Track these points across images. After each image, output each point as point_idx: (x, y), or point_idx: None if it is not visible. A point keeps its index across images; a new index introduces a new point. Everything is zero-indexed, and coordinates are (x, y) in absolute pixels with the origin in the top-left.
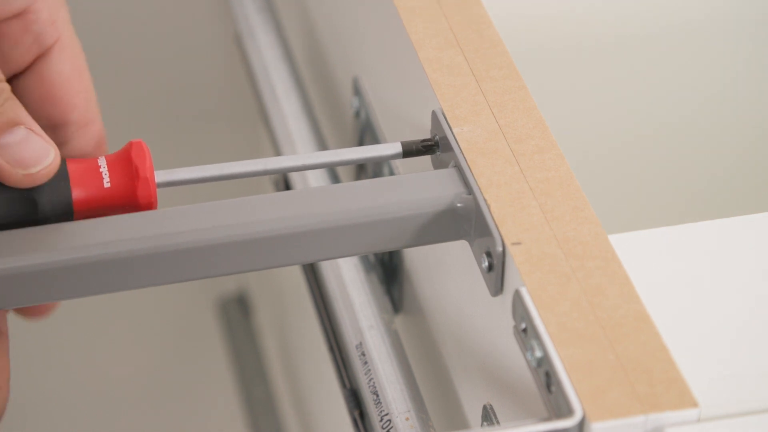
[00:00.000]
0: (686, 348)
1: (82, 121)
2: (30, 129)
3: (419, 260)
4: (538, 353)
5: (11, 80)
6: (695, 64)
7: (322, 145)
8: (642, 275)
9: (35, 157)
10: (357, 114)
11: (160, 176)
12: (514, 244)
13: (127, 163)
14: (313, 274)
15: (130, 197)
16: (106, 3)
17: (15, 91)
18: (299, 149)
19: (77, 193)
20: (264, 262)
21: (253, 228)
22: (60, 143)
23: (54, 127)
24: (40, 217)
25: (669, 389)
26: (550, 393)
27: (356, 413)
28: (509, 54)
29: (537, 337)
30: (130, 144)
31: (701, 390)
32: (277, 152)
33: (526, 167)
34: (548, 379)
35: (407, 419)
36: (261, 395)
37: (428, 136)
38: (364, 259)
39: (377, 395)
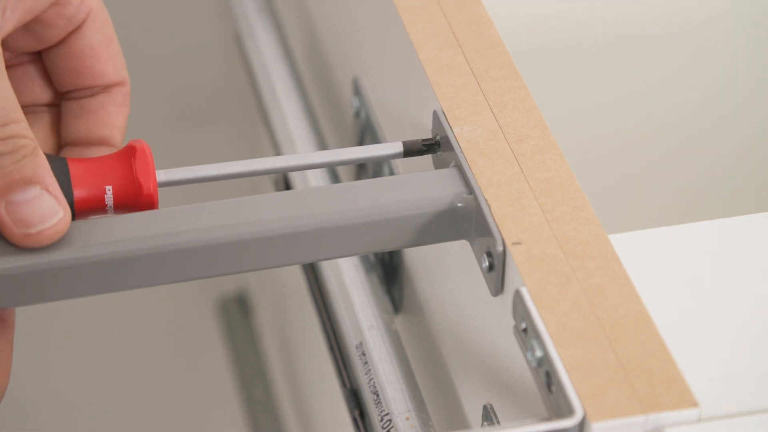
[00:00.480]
0: (686, 348)
1: (113, 83)
2: (45, 189)
3: (419, 260)
4: (539, 353)
5: (41, 53)
6: (695, 64)
7: (322, 145)
8: (642, 275)
9: (40, 217)
10: (357, 114)
11: (161, 176)
12: (514, 244)
13: (129, 175)
14: (313, 274)
15: (132, 205)
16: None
17: (46, 61)
18: (299, 149)
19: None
20: (264, 262)
21: (253, 228)
22: (85, 96)
23: (83, 89)
24: None
25: (669, 389)
26: (550, 393)
27: (356, 413)
28: (509, 54)
29: (537, 336)
30: (133, 150)
31: (701, 390)
32: (277, 152)
33: (526, 167)
34: (548, 379)
35: (407, 419)
36: (261, 395)
37: (428, 136)
38: (365, 259)
39: (377, 395)
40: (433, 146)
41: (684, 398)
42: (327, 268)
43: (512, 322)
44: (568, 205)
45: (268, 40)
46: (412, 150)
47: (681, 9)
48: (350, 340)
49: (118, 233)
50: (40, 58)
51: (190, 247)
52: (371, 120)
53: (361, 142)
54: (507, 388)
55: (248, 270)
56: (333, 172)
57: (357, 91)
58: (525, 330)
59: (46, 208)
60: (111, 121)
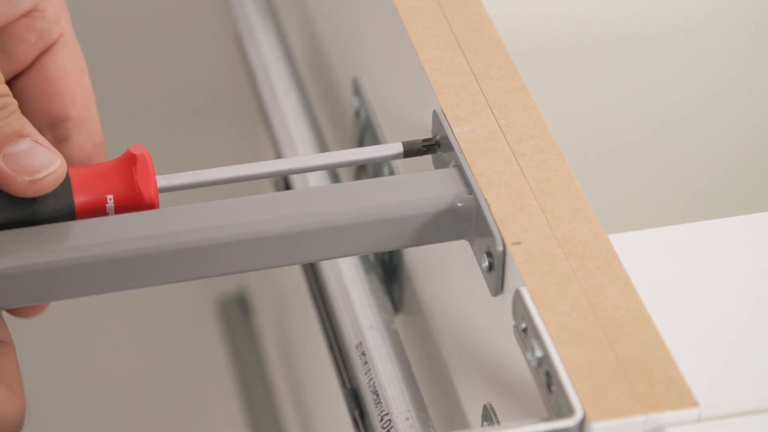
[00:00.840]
0: (686, 348)
1: (82, 117)
2: (36, 141)
3: (419, 260)
4: (539, 353)
5: (13, 78)
6: (695, 64)
7: (322, 145)
8: (642, 275)
9: (40, 164)
10: (357, 114)
11: (161, 182)
12: (514, 244)
13: (130, 184)
14: (313, 274)
15: (134, 209)
16: (107, 3)
17: (17, 88)
18: (299, 149)
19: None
20: (264, 262)
21: (253, 228)
22: (60, 140)
23: (54, 124)
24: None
25: (669, 389)
26: (550, 393)
27: (356, 413)
28: (509, 54)
29: (537, 336)
30: (134, 159)
31: (701, 390)
32: (277, 152)
33: (526, 167)
34: (548, 379)
35: (407, 419)
36: (261, 395)
37: (428, 136)
38: (364, 259)
39: (377, 395)
40: (433, 146)
41: (684, 398)
42: (327, 268)
43: (512, 322)
44: (568, 205)
45: (268, 40)
46: (412, 150)
47: (681, 9)
48: (350, 340)
49: (119, 233)
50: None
51: (190, 247)
52: (371, 120)
53: (361, 142)
54: (507, 388)
55: (248, 270)
56: (333, 172)
57: (357, 91)
58: (525, 330)
59: (43, 156)
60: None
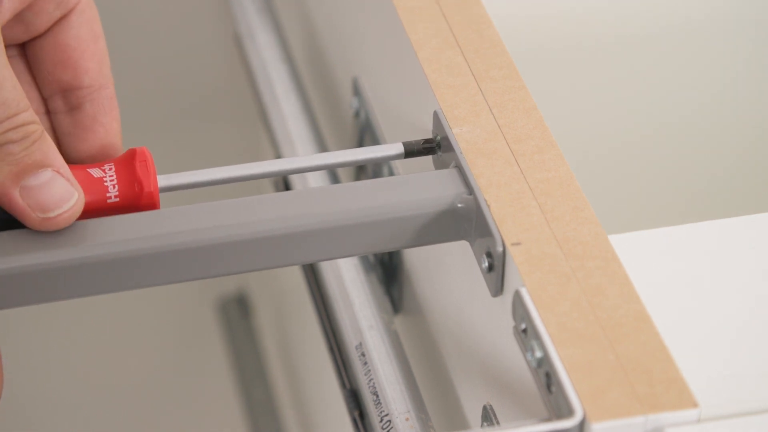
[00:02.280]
0: (686, 348)
1: (95, 85)
2: (57, 171)
3: (419, 260)
4: (538, 353)
5: (28, 44)
6: (695, 64)
7: (322, 146)
8: (642, 275)
9: (56, 200)
10: (357, 114)
11: (161, 181)
12: (514, 244)
13: (131, 176)
14: (313, 275)
15: (134, 208)
16: (106, 3)
17: (29, 54)
18: (299, 149)
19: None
20: (264, 263)
21: (254, 228)
22: (72, 108)
23: (66, 91)
24: None
25: (669, 389)
26: (550, 393)
27: (356, 413)
28: (509, 54)
29: (537, 337)
30: (134, 153)
31: (701, 390)
32: (277, 152)
33: (525, 167)
34: (548, 380)
35: (407, 419)
36: (261, 395)
37: (428, 137)
38: (364, 260)
39: (377, 395)
40: (434, 147)
41: (684, 398)
42: (327, 269)
43: (512, 323)
44: (568, 206)
45: (267, 40)
46: (413, 151)
47: (681, 9)
48: (350, 340)
49: (119, 233)
50: (24, 54)
51: (190, 248)
52: (371, 120)
53: (360, 143)
54: (507, 388)
55: (248, 270)
56: (332, 172)
57: (357, 91)
58: (525, 330)
59: (61, 191)
60: (106, 130)
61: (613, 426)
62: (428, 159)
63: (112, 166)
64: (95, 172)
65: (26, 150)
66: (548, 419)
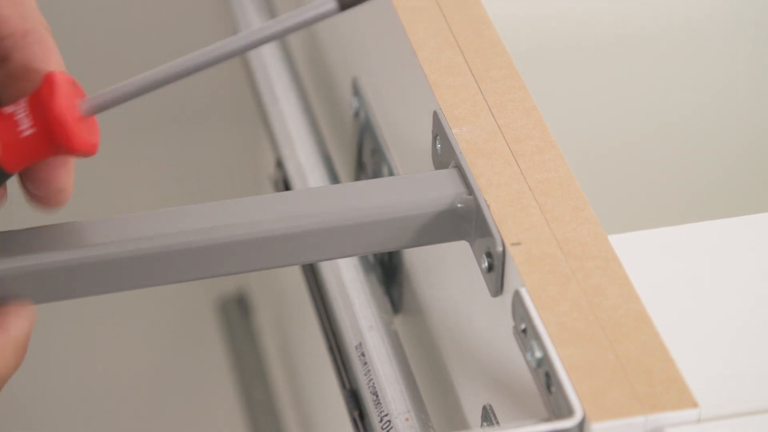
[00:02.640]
0: (686, 348)
1: (18, 31)
2: None
3: (419, 261)
4: (538, 354)
5: None
6: (695, 64)
7: (322, 146)
8: (642, 275)
9: None
10: (356, 114)
11: (87, 103)
12: (513, 244)
13: (39, 103)
14: (312, 275)
15: (53, 138)
16: (106, 3)
17: None
18: (298, 149)
19: None
20: (264, 263)
21: (254, 228)
22: (0, 59)
23: None
24: None
25: (669, 389)
26: (550, 393)
27: (356, 414)
28: (509, 54)
29: (537, 337)
30: (44, 78)
31: (701, 390)
32: (277, 152)
33: (525, 167)
34: (548, 380)
35: (407, 419)
36: (261, 395)
37: (428, 137)
38: (364, 260)
39: (377, 396)
40: None
41: (684, 398)
42: (326, 269)
43: (512, 323)
44: (568, 206)
45: None
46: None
47: (681, 9)
48: (350, 340)
49: (118, 234)
50: None
51: (190, 248)
52: (370, 120)
53: (360, 143)
54: (506, 388)
55: (248, 270)
56: (332, 172)
57: (356, 91)
58: (524, 330)
59: None
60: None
61: (613, 426)
62: (428, 159)
63: (26, 99)
64: (8, 109)
65: None
66: (548, 419)
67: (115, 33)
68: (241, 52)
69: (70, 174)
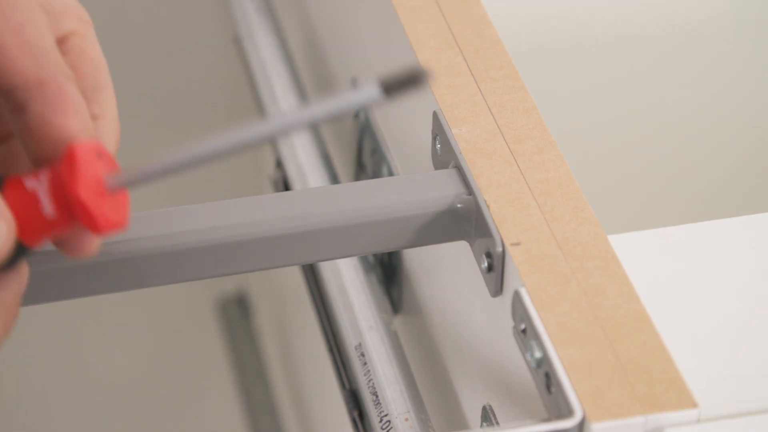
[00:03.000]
0: (686, 348)
1: (33, 81)
2: None
3: (419, 261)
4: (538, 354)
5: None
6: (695, 65)
7: (322, 146)
8: (642, 275)
9: None
10: (356, 115)
11: (114, 179)
12: (513, 244)
13: (59, 181)
14: (312, 275)
15: (76, 222)
16: (106, 5)
17: None
18: (298, 150)
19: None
20: (264, 263)
21: (253, 228)
22: (16, 109)
23: (5, 94)
24: None
25: (669, 389)
26: (549, 393)
27: (356, 414)
28: (508, 54)
29: (536, 337)
30: (66, 150)
31: (701, 390)
32: (276, 152)
33: (525, 168)
34: (548, 380)
35: (407, 420)
36: (260, 396)
37: (428, 137)
38: (364, 260)
39: (377, 396)
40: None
41: (683, 398)
42: (326, 269)
43: (511, 323)
44: (568, 206)
45: (267, 40)
46: (391, 86)
47: (681, 9)
48: (349, 340)
49: (118, 235)
50: None
51: (190, 248)
52: (370, 121)
53: (360, 143)
54: (506, 388)
55: (248, 270)
56: (332, 172)
57: None
58: (524, 331)
59: None
60: (60, 130)
61: (613, 426)
62: (428, 159)
63: (48, 175)
64: (29, 183)
65: None
66: (548, 419)
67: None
68: (279, 135)
69: (98, 239)
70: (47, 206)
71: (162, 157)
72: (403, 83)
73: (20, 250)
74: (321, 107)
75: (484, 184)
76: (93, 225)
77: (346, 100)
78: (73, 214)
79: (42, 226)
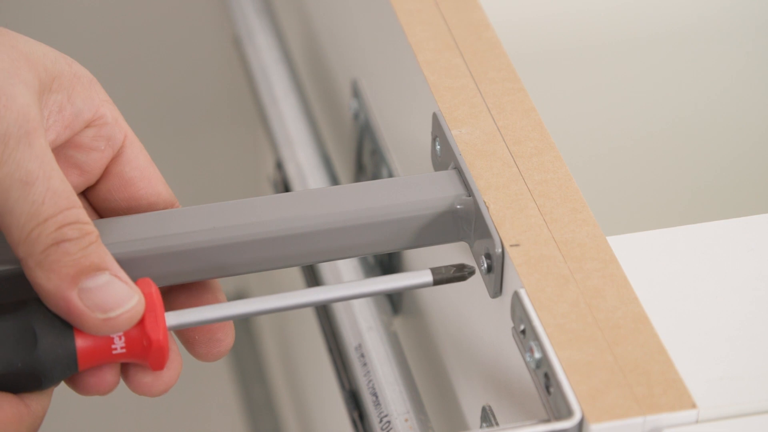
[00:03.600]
0: (684, 349)
1: (168, 202)
2: (115, 275)
3: (419, 262)
4: (537, 354)
5: (89, 189)
6: (694, 66)
7: (321, 147)
8: (640, 277)
9: (116, 301)
10: (356, 116)
11: (171, 319)
12: (512, 245)
13: (139, 331)
14: (312, 276)
15: (142, 358)
16: (106, 7)
17: (97, 198)
18: (298, 151)
19: (81, 348)
20: (264, 264)
21: (254, 229)
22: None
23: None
24: (42, 372)
25: (667, 390)
26: (548, 394)
27: (355, 414)
28: (508, 56)
29: (536, 338)
30: (150, 340)
31: (699, 391)
32: (276, 154)
33: (524, 169)
34: (547, 381)
35: (406, 420)
36: (260, 396)
37: (427, 137)
38: (364, 261)
39: (376, 396)
40: (464, 275)
41: (682, 399)
42: (326, 270)
43: (510, 324)
44: (567, 207)
45: (266, 42)
46: (442, 279)
47: (679, 11)
48: (349, 341)
49: (119, 235)
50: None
51: (190, 249)
52: (370, 122)
53: (359, 145)
54: (505, 389)
55: (248, 271)
56: (332, 174)
57: (356, 93)
58: (523, 331)
59: (121, 292)
60: None
61: (612, 427)
62: (428, 160)
63: None
64: None
65: (83, 251)
66: (547, 420)
67: (113, 36)
68: (330, 302)
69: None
70: (117, 345)
71: (219, 306)
72: (451, 278)
73: (70, 370)
74: (380, 284)
75: (483, 185)
76: (160, 367)
77: (402, 281)
78: (145, 358)
79: (105, 358)
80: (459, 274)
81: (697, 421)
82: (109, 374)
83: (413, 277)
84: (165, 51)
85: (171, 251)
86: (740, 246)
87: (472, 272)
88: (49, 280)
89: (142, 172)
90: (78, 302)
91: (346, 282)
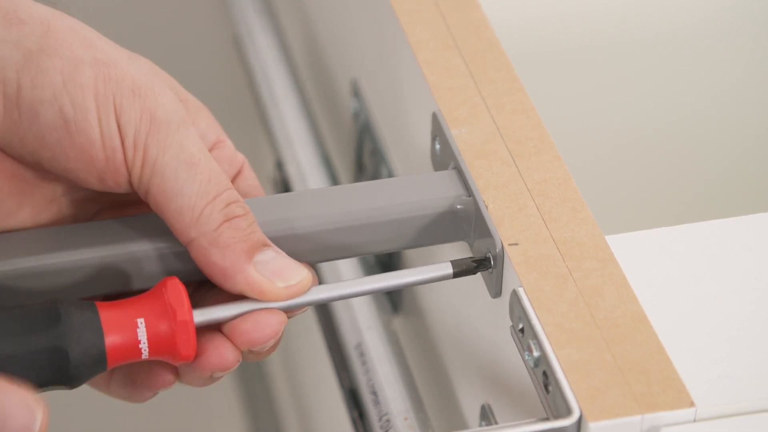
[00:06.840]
0: (683, 348)
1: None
2: (277, 252)
3: (418, 261)
4: (536, 353)
5: None
6: (694, 66)
7: (321, 147)
8: (639, 276)
9: (291, 270)
10: (356, 116)
11: (197, 316)
12: (511, 244)
13: (163, 309)
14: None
15: (170, 340)
16: (105, 6)
17: None
18: (298, 151)
19: (110, 345)
20: None
21: None
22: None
23: None
24: (72, 371)
25: (666, 389)
26: (547, 393)
27: (355, 413)
28: (507, 56)
29: (534, 337)
30: (165, 285)
31: (698, 390)
32: (276, 154)
33: (523, 169)
34: (546, 379)
35: (406, 419)
36: (260, 395)
37: (426, 138)
38: (364, 261)
39: (376, 395)
40: (484, 263)
41: (680, 398)
42: (326, 270)
43: (509, 323)
44: (566, 207)
45: (266, 42)
46: (461, 271)
47: (679, 11)
48: (349, 340)
49: (118, 236)
50: None
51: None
52: (370, 122)
53: (359, 144)
54: (505, 388)
55: None
56: (332, 174)
57: (356, 93)
58: (522, 330)
59: (289, 263)
60: None
61: (611, 425)
62: (428, 160)
63: (143, 298)
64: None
65: (251, 227)
66: (546, 419)
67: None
68: (350, 297)
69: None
70: (144, 349)
71: (238, 304)
72: (470, 269)
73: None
74: (401, 278)
75: (482, 185)
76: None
77: (423, 274)
78: (172, 329)
79: (130, 357)
80: (478, 266)
81: (695, 420)
82: (228, 351)
83: (434, 270)
84: (165, 51)
85: (171, 251)
86: (739, 245)
87: (489, 265)
88: (225, 257)
89: (258, 192)
90: (257, 275)
91: (365, 277)
